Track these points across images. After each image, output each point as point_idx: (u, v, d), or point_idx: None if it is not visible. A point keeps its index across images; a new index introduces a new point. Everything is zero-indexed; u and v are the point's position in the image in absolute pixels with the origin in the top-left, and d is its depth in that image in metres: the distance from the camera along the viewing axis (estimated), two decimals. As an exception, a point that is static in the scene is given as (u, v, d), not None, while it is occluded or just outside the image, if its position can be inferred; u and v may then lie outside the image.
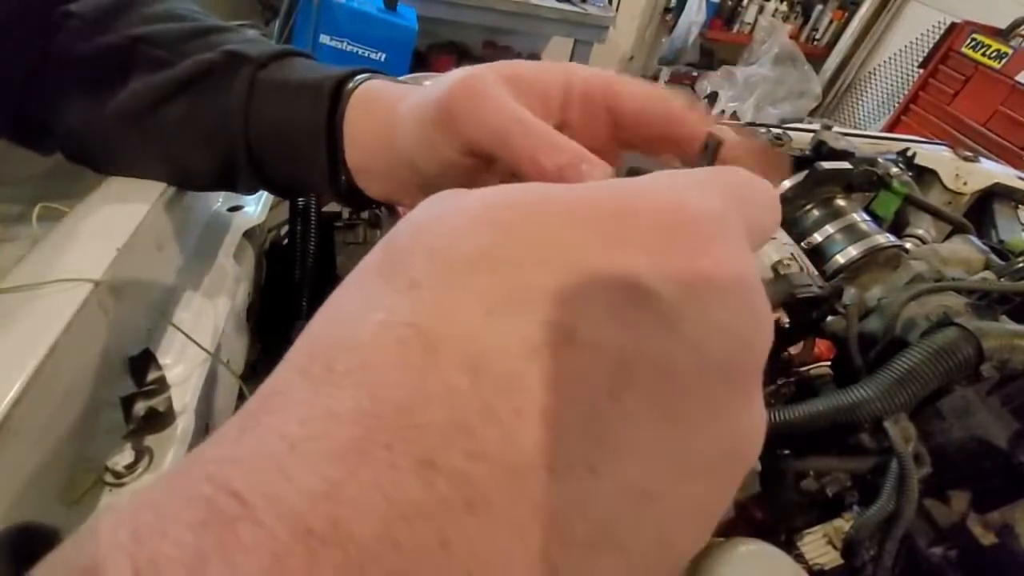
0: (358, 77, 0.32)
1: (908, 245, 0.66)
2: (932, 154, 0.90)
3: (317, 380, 0.11)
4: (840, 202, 0.69)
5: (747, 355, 0.13)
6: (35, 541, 0.14)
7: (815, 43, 3.14)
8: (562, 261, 0.12)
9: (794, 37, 3.01)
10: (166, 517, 0.10)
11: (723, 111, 2.80)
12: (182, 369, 0.36)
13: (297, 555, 0.09)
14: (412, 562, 0.09)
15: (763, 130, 0.81)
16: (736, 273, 0.13)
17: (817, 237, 0.67)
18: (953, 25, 2.39)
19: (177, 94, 0.34)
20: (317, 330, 0.13)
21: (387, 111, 0.29)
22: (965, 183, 0.89)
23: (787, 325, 0.50)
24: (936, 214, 0.78)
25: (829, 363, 0.51)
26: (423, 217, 0.14)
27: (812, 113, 3.02)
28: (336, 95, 0.31)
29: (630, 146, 0.25)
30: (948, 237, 0.76)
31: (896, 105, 2.67)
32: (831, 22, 3.10)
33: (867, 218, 0.68)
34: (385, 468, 0.10)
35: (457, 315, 0.11)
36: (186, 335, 0.37)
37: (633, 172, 0.19)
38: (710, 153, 0.20)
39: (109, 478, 0.30)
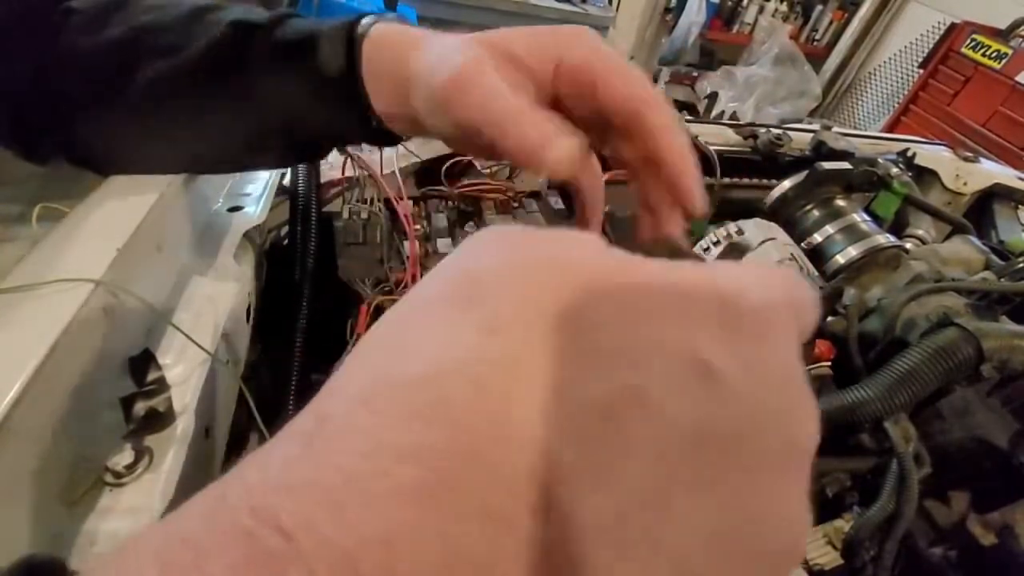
0: (364, 22, 0.32)
1: (908, 245, 0.66)
2: (932, 154, 0.90)
3: (381, 412, 0.11)
4: (840, 202, 0.69)
5: (792, 443, 0.13)
6: (43, 574, 0.13)
7: (815, 43, 3.14)
8: (640, 331, 0.12)
9: (794, 37, 3.01)
10: (203, 554, 0.09)
11: (723, 111, 2.80)
12: (182, 369, 0.36)
13: None
14: None
15: (763, 130, 0.81)
16: (789, 366, 0.13)
17: (817, 237, 0.67)
18: (953, 25, 2.39)
19: (194, 77, 0.34)
20: (379, 359, 0.12)
21: (399, 62, 0.30)
22: (965, 183, 0.89)
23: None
24: (936, 214, 0.78)
25: (829, 363, 0.51)
26: (509, 257, 0.13)
27: (812, 113, 3.02)
28: (350, 43, 0.32)
29: (607, 129, 0.26)
30: (948, 237, 0.76)
31: (896, 105, 2.67)
32: (831, 22, 3.09)
33: (867, 218, 0.68)
34: (451, 516, 0.10)
35: (538, 366, 0.11)
36: (186, 335, 0.37)
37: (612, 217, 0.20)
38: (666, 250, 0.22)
39: (109, 478, 0.30)
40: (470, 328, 0.12)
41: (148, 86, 0.34)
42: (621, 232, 0.33)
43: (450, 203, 0.62)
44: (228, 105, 0.35)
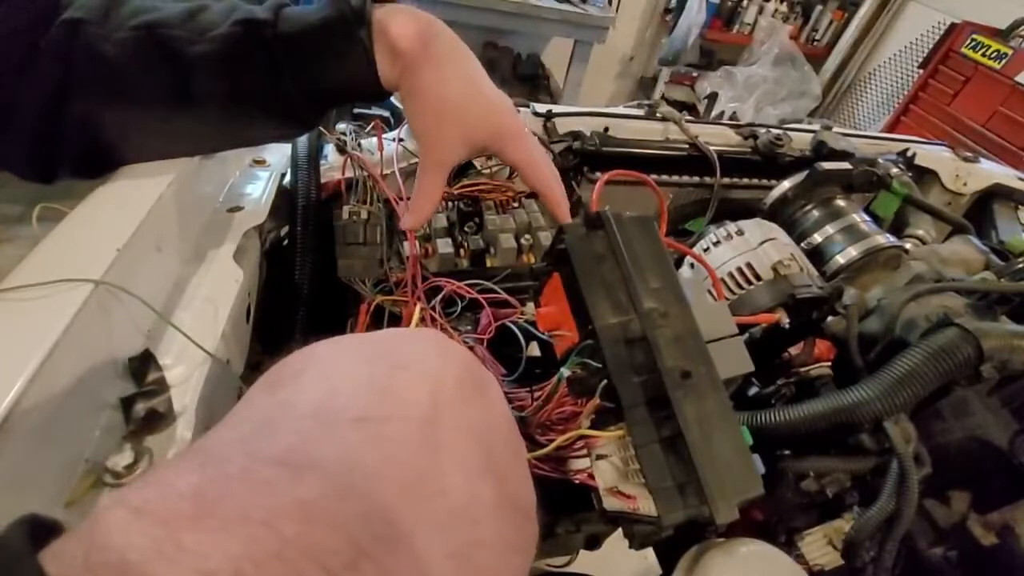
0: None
1: (908, 245, 0.66)
2: (932, 154, 0.90)
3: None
4: (840, 202, 0.69)
5: None
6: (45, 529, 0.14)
7: (815, 43, 3.14)
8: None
9: (794, 38, 3.00)
10: None
11: (723, 112, 2.80)
12: (182, 369, 0.36)
13: None
14: None
15: (763, 130, 0.81)
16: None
17: (817, 237, 0.66)
18: (953, 25, 2.38)
19: (207, 70, 0.36)
20: None
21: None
22: (965, 183, 0.89)
23: (787, 325, 0.50)
24: (936, 214, 0.78)
25: (829, 363, 0.51)
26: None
27: (812, 113, 3.01)
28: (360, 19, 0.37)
29: None
30: (948, 238, 0.76)
31: (896, 105, 2.66)
32: (831, 22, 3.09)
33: (867, 218, 0.67)
34: None
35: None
36: (186, 335, 0.37)
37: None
38: None
39: (109, 478, 0.30)
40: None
41: (167, 77, 0.36)
42: (623, 230, 0.33)
43: (450, 203, 0.62)
44: (240, 92, 0.37)
